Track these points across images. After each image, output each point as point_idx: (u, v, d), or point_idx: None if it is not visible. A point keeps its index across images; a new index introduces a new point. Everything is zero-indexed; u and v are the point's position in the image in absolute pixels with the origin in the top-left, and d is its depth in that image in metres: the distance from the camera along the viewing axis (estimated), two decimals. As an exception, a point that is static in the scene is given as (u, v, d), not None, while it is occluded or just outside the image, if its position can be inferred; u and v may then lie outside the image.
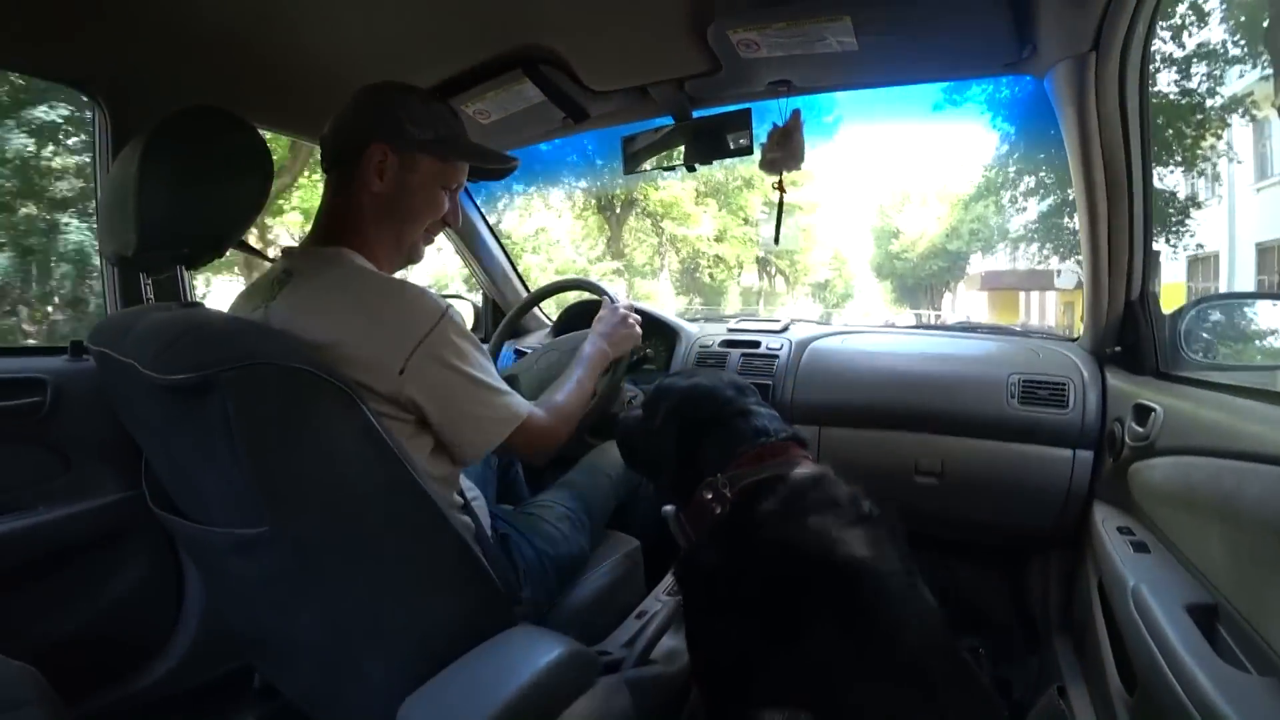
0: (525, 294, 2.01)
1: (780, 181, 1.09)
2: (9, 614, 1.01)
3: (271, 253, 0.95)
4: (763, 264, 21.67)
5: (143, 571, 1.12)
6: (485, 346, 1.62)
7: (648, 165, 1.35)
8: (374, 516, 0.73)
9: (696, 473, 0.92)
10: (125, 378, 0.69)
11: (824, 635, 0.68)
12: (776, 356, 1.55)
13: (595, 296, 1.55)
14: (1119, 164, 1.03)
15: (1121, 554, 0.99)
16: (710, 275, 18.30)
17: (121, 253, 0.76)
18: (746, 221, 17.18)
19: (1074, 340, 1.43)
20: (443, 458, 0.91)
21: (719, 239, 17.30)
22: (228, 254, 0.86)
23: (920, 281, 22.91)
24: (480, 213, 1.93)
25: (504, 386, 0.90)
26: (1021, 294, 18.95)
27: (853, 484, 0.86)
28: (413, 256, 0.97)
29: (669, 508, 1.13)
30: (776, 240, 1.23)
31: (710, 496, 0.87)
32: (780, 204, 1.12)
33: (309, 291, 0.81)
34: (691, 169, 1.27)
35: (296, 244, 0.94)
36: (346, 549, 0.72)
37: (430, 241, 0.99)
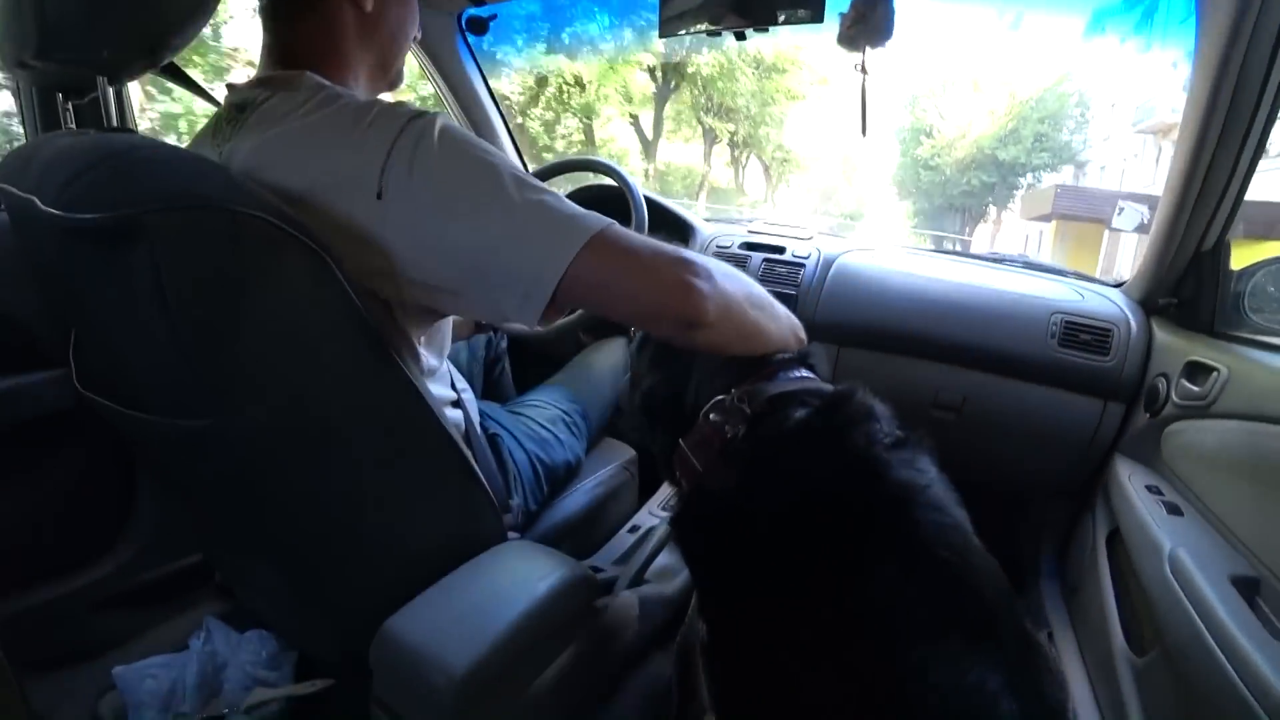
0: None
1: (864, 63, 0.91)
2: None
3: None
4: (735, 151, 16.57)
5: (86, 458, 0.98)
6: None
7: (688, 29, 1.15)
8: (344, 410, 0.61)
9: (695, 407, 0.73)
10: (28, 220, 0.53)
11: (881, 580, 0.55)
12: (803, 265, 1.41)
13: (609, 181, 1.38)
14: (1252, 91, 0.88)
15: (1153, 514, 0.94)
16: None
17: (21, 56, 0.58)
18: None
19: (1119, 285, 1.33)
20: (437, 346, 0.78)
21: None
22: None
23: (952, 202, 16.67)
24: (482, 74, 1.69)
25: (548, 189, 0.63)
26: (1108, 232, 12.18)
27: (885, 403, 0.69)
28: (395, 83, 0.82)
29: None
30: (864, 131, 1.06)
31: (718, 418, 0.69)
32: (864, 90, 0.95)
33: (270, 126, 0.63)
34: (741, 37, 1.08)
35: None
36: (310, 447, 0.60)
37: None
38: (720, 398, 0.70)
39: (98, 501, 0.97)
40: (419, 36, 0.83)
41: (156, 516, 0.98)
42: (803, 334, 0.79)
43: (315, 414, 0.58)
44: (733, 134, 15.85)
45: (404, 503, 0.69)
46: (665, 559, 1.06)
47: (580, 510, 1.06)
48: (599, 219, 0.61)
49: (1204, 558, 0.81)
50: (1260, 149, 0.95)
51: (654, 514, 1.19)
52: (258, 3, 0.70)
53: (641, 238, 0.64)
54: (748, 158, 16.85)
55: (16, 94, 0.93)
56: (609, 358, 1.30)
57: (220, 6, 0.67)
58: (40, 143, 0.60)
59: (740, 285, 0.70)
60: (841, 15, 0.93)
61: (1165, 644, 0.84)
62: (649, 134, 14.35)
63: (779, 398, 0.68)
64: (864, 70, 0.92)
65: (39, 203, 0.49)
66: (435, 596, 0.66)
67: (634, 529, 1.15)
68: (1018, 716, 0.49)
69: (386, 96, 0.79)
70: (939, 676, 0.51)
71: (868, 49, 0.91)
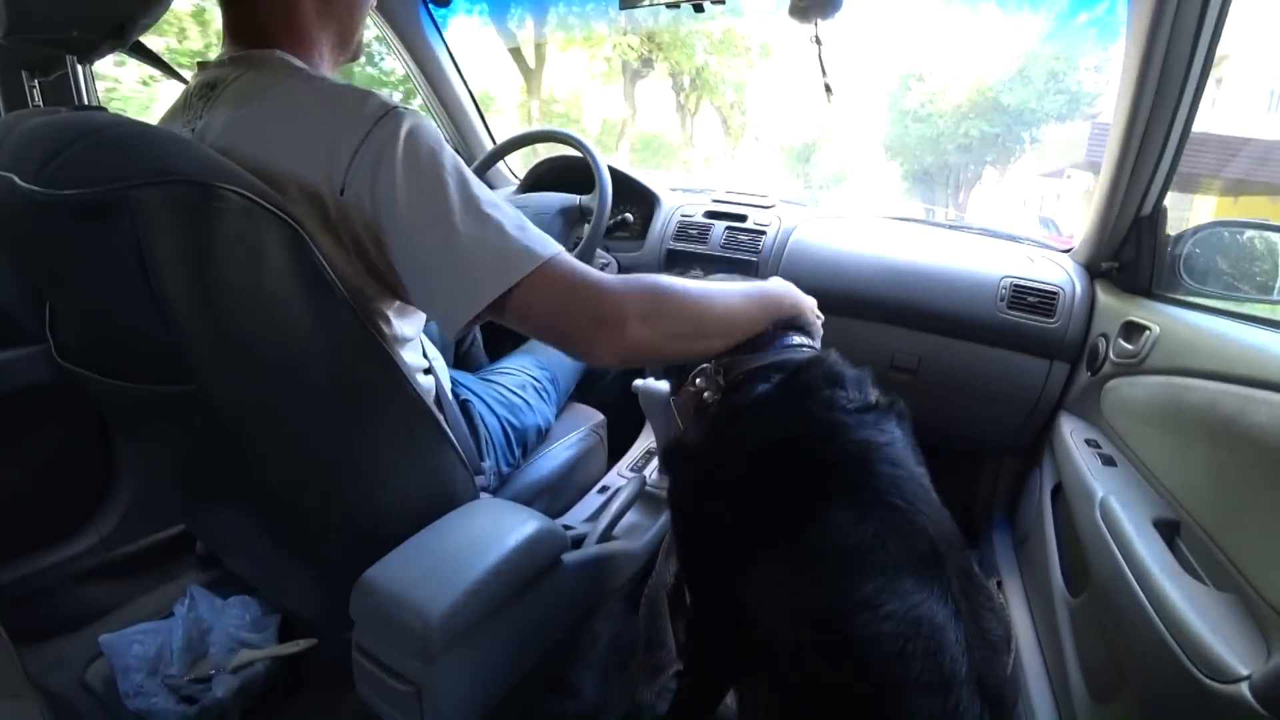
0: (492, 144, 1.82)
1: (816, 34, 0.94)
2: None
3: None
4: (681, 95, 12.73)
5: (67, 430, 0.99)
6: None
7: (650, 1, 1.17)
8: (319, 374, 0.63)
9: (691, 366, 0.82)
10: (4, 196, 0.54)
11: (838, 523, 0.61)
12: (763, 233, 1.45)
13: (574, 152, 1.40)
14: (1179, 64, 0.93)
15: (1090, 465, 1.00)
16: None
17: None
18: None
19: (1067, 251, 1.39)
20: (410, 315, 0.81)
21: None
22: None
23: (942, 160, 13.64)
24: (446, 47, 1.69)
25: (510, 215, 0.65)
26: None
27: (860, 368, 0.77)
28: (357, 53, 0.82)
29: (638, 382, 1.07)
30: (829, 97, 1.09)
31: (700, 383, 0.79)
32: (820, 58, 0.98)
33: (241, 104, 0.65)
34: (699, 9, 1.10)
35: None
36: (288, 410, 0.63)
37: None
38: (705, 365, 0.78)
39: (76, 475, 0.99)
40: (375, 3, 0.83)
41: (136, 489, 1.01)
42: (785, 308, 0.84)
43: (293, 377, 0.61)
44: (675, 69, 11.97)
45: (380, 463, 0.72)
46: (633, 517, 1.10)
47: (551, 472, 1.10)
48: (541, 250, 0.64)
49: (1131, 504, 0.87)
50: (1190, 120, 1.00)
51: (622, 475, 1.24)
52: None
53: (582, 272, 0.66)
54: (698, 102, 13.23)
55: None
56: None
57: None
58: (11, 120, 0.61)
59: (687, 307, 0.73)
60: None
61: (1094, 584, 0.90)
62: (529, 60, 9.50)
63: (754, 371, 0.75)
64: (818, 41, 0.95)
65: (18, 180, 0.51)
66: (411, 549, 0.70)
67: (603, 489, 1.19)
68: (963, 646, 0.54)
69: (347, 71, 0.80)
70: (891, 607, 0.56)
71: (819, 20, 0.94)
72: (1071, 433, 1.13)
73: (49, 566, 0.93)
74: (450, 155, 0.64)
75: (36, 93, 0.72)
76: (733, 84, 13.21)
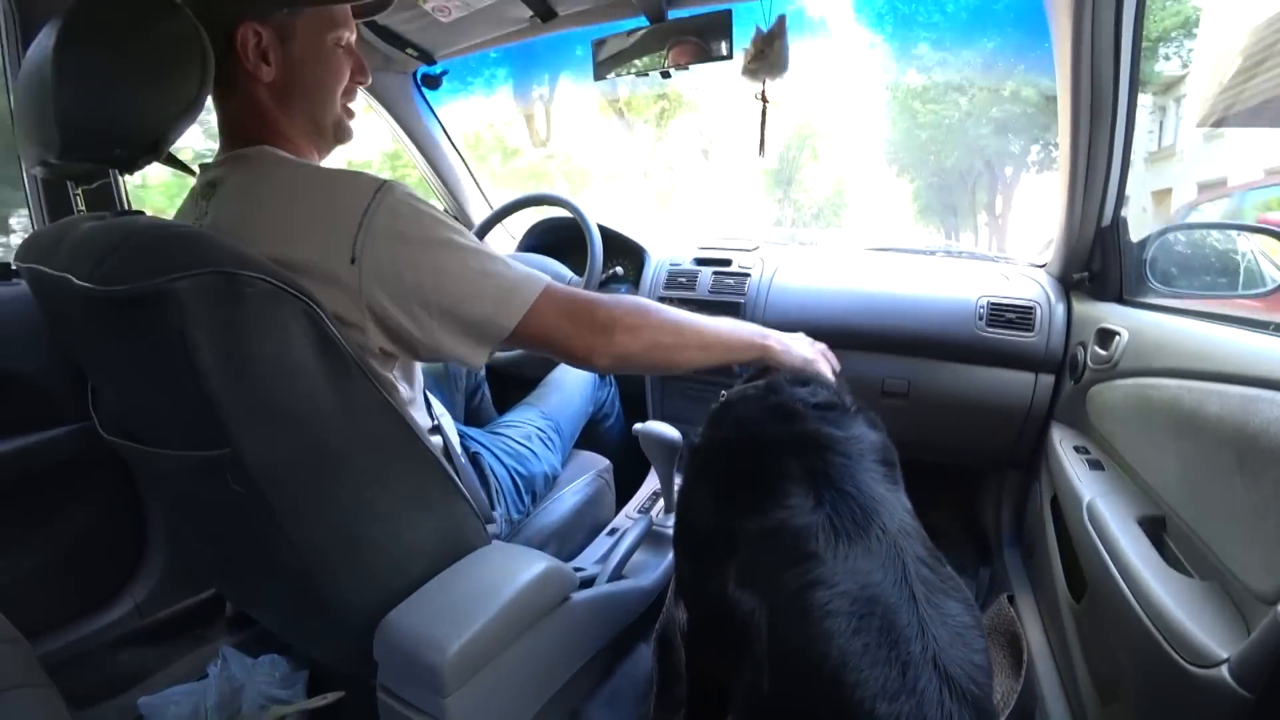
0: (489, 209, 1.93)
1: (763, 92, 1.04)
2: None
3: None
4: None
5: (101, 503, 1.06)
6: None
7: (619, 72, 1.27)
8: (342, 435, 0.70)
9: None
10: (61, 294, 0.62)
11: (792, 501, 0.69)
12: (748, 275, 1.52)
13: (566, 214, 1.49)
14: (1107, 86, 1.00)
15: (1077, 471, 1.03)
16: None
17: (45, 157, 0.67)
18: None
19: (1041, 267, 1.44)
20: (409, 378, 0.87)
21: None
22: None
23: (947, 181, 10.85)
24: (439, 123, 1.81)
25: (499, 255, 0.76)
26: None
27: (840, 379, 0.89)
28: (340, 136, 0.86)
29: (640, 425, 1.13)
30: (761, 152, 1.19)
31: (715, 405, 0.92)
32: (764, 115, 1.07)
33: (240, 198, 0.73)
34: (666, 75, 1.20)
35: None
36: (315, 468, 0.69)
37: (352, 115, 0.87)
38: (723, 392, 0.94)
39: (113, 545, 1.05)
40: (367, 83, 0.87)
41: (168, 556, 1.07)
42: (777, 353, 0.96)
43: (318, 437, 0.68)
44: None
45: (397, 514, 0.77)
46: (642, 556, 1.14)
47: (561, 517, 1.14)
48: (540, 279, 0.76)
49: (1116, 504, 0.90)
50: (1129, 134, 1.07)
51: (630, 516, 1.28)
52: None
53: (575, 290, 0.80)
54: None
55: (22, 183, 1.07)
56: (576, 375, 1.40)
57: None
58: (65, 226, 0.70)
59: (667, 321, 0.85)
60: (744, 50, 1.05)
61: (1091, 587, 0.93)
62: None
63: (746, 387, 0.90)
64: (764, 99, 1.05)
65: (74, 279, 0.58)
66: (428, 593, 0.75)
67: (612, 531, 1.23)
68: (917, 627, 0.58)
69: (337, 153, 0.89)
70: (844, 586, 0.60)
71: (767, 80, 1.03)
72: (1061, 441, 1.17)
73: (90, 634, 0.98)
74: (443, 214, 0.73)
75: (80, 199, 0.80)
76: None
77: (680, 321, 0.86)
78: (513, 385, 1.49)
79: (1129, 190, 1.14)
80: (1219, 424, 0.73)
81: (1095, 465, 1.04)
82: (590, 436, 1.40)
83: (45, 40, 0.64)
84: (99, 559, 1.03)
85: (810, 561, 0.63)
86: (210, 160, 0.81)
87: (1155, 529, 0.85)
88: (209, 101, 0.76)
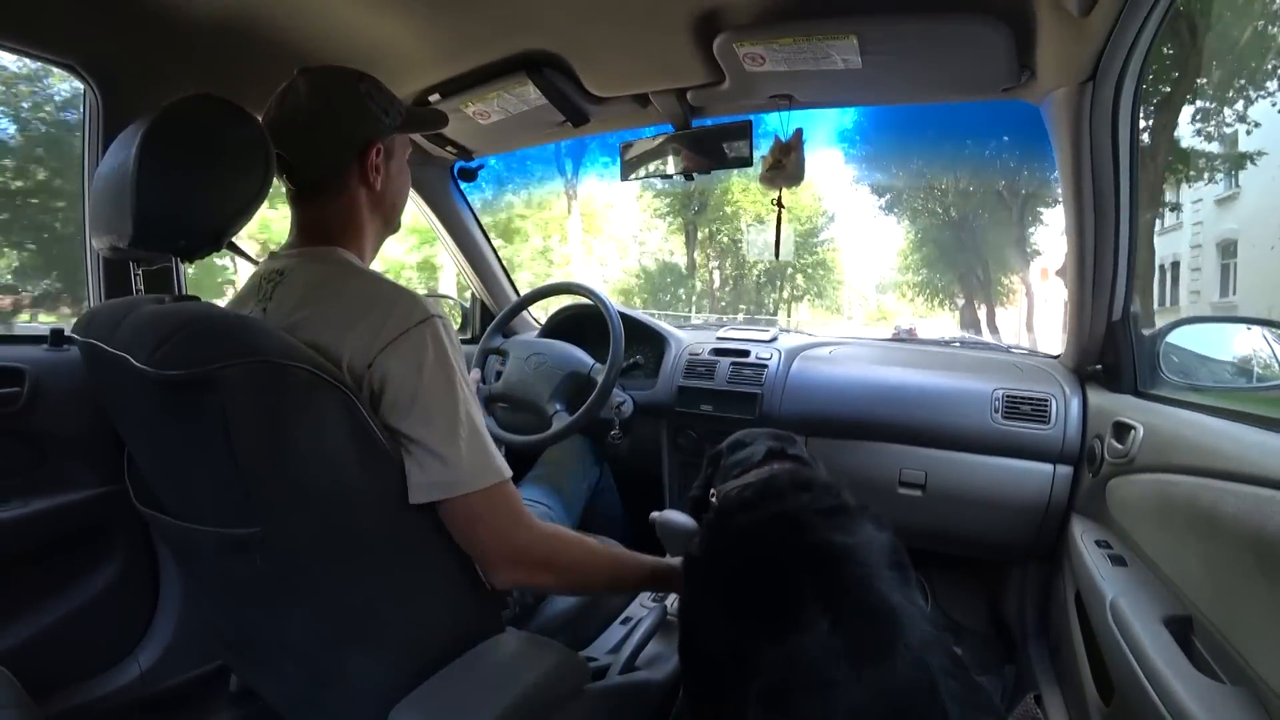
0: (515, 296, 2.01)
1: (779, 197, 1.11)
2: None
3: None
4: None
5: (117, 570, 1.09)
6: (473, 350, 1.62)
7: (644, 172, 1.36)
8: (369, 520, 0.72)
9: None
10: (116, 371, 0.67)
11: (810, 623, 0.67)
12: (766, 366, 1.56)
13: (587, 301, 1.55)
14: (1108, 190, 1.06)
15: (1100, 567, 1.02)
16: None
17: (116, 244, 0.73)
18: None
19: (1056, 358, 1.46)
20: None
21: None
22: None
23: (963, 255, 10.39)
24: (472, 212, 1.92)
25: (486, 435, 0.79)
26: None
27: (834, 476, 0.89)
28: (396, 228, 0.98)
29: (656, 514, 1.14)
30: (777, 255, 1.25)
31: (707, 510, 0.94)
32: (779, 219, 1.14)
33: (305, 291, 0.79)
34: (689, 178, 1.29)
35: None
36: (340, 551, 0.71)
37: None
38: (713, 491, 0.97)
39: (123, 608, 1.06)
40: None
41: (176, 624, 1.07)
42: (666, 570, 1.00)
43: (345, 521, 0.70)
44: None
45: (417, 599, 0.78)
46: (655, 647, 1.12)
47: (574, 604, 1.13)
48: (505, 470, 0.79)
49: (1140, 603, 0.88)
50: (1134, 231, 1.11)
51: (644, 606, 1.26)
52: (285, 190, 0.88)
53: (519, 502, 0.81)
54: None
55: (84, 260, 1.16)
56: (573, 458, 1.42)
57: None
58: (126, 307, 0.75)
59: (578, 562, 0.89)
60: (762, 158, 1.13)
61: (1118, 689, 0.89)
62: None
63: (740, 489, 0.91)
64: (780, 205, 1.12)
65: (133, 360, 0.63)
66: (440, 682, 0.75)
67: (625, 620, 1.21)
68: None
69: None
70: (879, 710, 0.60)
71: (784, 188, 1.10)
72: (1082, 534, 1.15)
73: (94, 699, 0.98)
74: (463, 365, 0.79)
75: (139, 278, 0.86)
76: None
77: (591, 565, 0.90)
78: (520, 464, 1.51)
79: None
80: (1236, 524, 0.72)
81: (1118, 561, 1.02)
82: (590, 513, 1.41)
83: (130, 138, 0.70)
84: (109, 622, 1.04)
85: (837, 689, 0.63)
86: (277, 249, 0.88)
87: (1182, 629, 0.82)
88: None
